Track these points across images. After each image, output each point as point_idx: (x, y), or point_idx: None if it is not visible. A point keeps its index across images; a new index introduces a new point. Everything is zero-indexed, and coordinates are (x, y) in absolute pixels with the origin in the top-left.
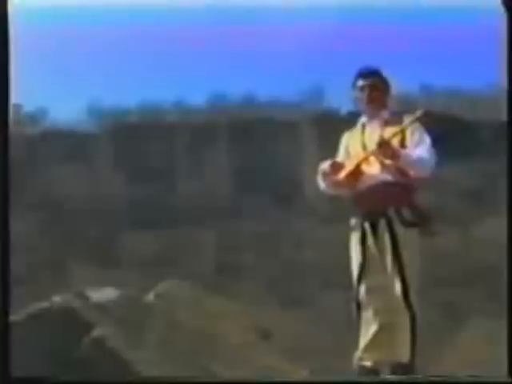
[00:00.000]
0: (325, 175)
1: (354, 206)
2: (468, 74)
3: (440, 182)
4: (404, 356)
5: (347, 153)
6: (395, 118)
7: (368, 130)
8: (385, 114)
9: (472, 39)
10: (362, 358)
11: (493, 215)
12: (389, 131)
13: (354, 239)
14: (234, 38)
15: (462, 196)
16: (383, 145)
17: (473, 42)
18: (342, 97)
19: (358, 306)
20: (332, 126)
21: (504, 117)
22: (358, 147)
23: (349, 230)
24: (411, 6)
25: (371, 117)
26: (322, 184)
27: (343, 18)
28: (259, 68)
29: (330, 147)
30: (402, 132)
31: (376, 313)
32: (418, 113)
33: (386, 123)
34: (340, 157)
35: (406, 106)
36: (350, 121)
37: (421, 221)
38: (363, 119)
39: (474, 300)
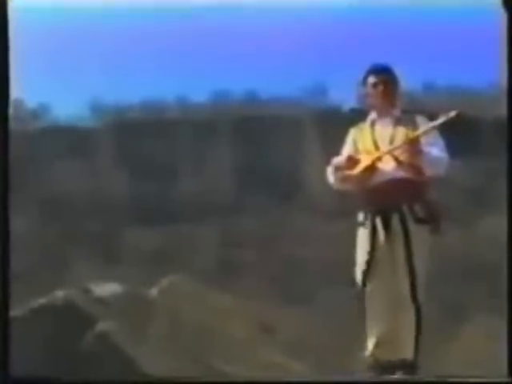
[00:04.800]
0: (338, 169)
1: (365, 201)
2: (469, 73)
3: (441, 179)
4: (408, 353)
5: (355, 148)
6: (406, 117)
7: (378, 127)
8: (396, 112)
9: (473, 38)
10: (365, 354)
11: (493, 213)
12: (402, 129)
13: (363, 234)
14: (236, 35)
15: (463, 193)
16: (411, 141)
17: (474, 41)
18: (344, 94)
19: (363, 302)
20: (334, 124)
21: (504, 115)
22: (367, 143)
23: (354, 225)
24: (412, 5)
25: (382, 114)
26: (331, 178)
27: (346, 16)
28: (261, 65)
29: (332, 144)
30: (428, 131)
31: (381, 309)
32: (452, 113)
33: (398, 121)
34: (347, 152)
35: (407, 103)
36: (352, 118)
37: (432, 218)
38: (373, 116)
39: (475, 297)
